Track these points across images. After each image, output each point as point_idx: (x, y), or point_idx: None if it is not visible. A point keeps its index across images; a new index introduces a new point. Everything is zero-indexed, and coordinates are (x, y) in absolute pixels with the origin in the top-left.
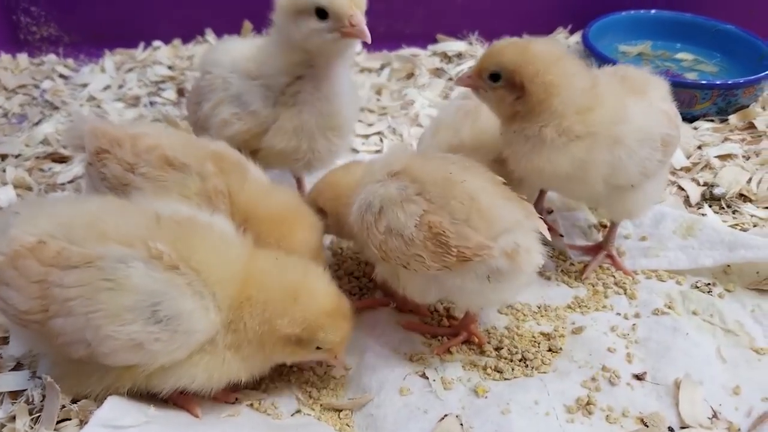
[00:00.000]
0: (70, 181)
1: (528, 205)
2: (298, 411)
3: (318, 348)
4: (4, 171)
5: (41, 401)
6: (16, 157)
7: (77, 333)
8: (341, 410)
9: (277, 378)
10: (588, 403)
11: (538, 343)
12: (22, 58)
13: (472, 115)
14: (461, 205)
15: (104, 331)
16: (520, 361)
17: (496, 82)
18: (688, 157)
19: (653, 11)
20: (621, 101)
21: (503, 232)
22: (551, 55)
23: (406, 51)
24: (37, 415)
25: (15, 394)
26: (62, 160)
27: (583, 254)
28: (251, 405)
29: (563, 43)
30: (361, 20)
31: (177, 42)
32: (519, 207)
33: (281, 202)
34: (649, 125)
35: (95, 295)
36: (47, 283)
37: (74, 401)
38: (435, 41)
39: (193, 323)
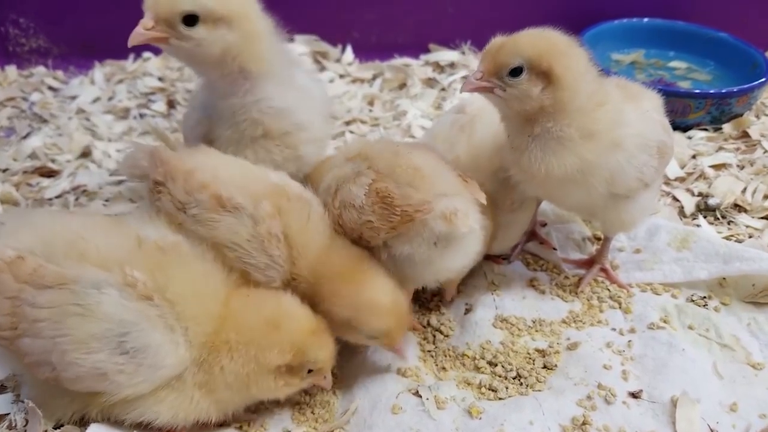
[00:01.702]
0: (58, 196)
1: (471, 181)
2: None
3: (309, 371)
4: None
5: (24, 426)
6: (4, 171)
7: (44, 355)
8: (333, 430)
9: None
10: (584, 423)
11: (533, 360)
12: (11, 70)
13: (467, 129)
14: (405, 171)
15: (69, 357)
16: (514, 378)
17: (517, 77)
18: (682, 167)
19: (646, 19)
20: (620, 104)
21: (443, 195)
22: (568, 39)
23: (398, 61)
24: None
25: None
26: (50, 174)
27: (577, 267)
28: (240, 427)
29: None
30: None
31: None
32: (461, 182)
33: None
34: (646, 131)
35: (64, 319)
36: (19, 300)
37: (57, 426)
38: (427, 51)
39: (160, 358)
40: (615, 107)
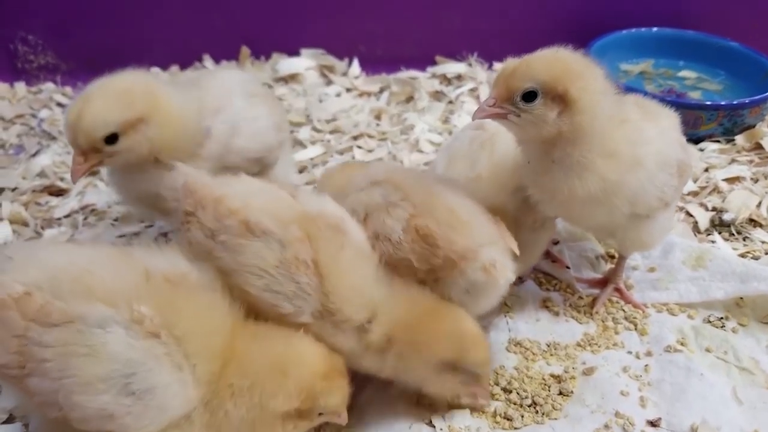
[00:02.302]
0: (67, 216)
1: (501, 225)
2: None
3: (320, 414)
4: (0, 206)
5: None
6: (13, 190)
7: (51, 395)
8: None
9: None
10: None
11: (549, 386)
12: (20, 86)
13: (488, 147)
14: (443, 212)
15: (75, 398)
16: (529, 406)
17: (532, 101)
18: (695, 181)
19: (655, 29)
20: (639, 122)
21: (481, 245)
22: (584, 60)
23: (405, 74)
24: None
25: None
26: (59, 193)
27: (590, 287)
28: None
29: None
30: None
31: (175, 68)
32: (493, 224)
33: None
34: (666, 149)
35: (70, 360)
36: (26, 339)
37: None
38: (434, 63)
39: (168, 398)
40: (635, 125)
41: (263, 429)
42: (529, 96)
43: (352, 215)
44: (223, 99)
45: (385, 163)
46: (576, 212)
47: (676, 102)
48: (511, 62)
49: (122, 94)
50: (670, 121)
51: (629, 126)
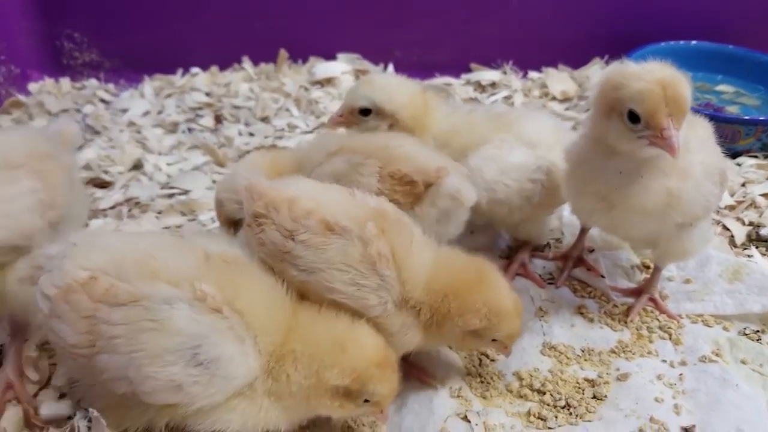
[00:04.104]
0: (111, 207)
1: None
2: None
3: (366, 401)
4: None
5: None
6: None
7: (120, 370)
8: None
9: (317, 417)
10: None
11: (583, 390)
12: (65, 82)
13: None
14: (402, 158)
15: (145, 371)
16: (563, 407)
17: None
18: (731, 195)
19: (694, 42)
20: (684, 131)
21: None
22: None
23: (439, 80)
24: None
25: (60, 423)
26: (104, 185)
27: (625, 296)
28: None
29: (600, 74)
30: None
31: (214, 69)
32: (444, 157)
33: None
34: (708, 158)
35: (138, 335)
36: (95, 319)
37: None
38: (469, 70)
39: (233, 368)
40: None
41: (315, 399)
42: (631, 116)
43: None
44: None
45: (334, 134)
46: (631, 223)
47: (714, 116)
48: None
49: None
50: (706, 130)
51: None
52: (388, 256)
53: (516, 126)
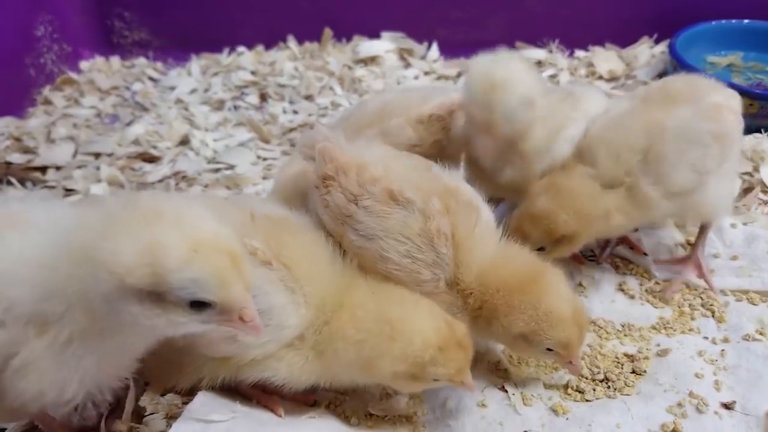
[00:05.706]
0: (160, 181)
1: None
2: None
3: (435, 380)
4: (98, 169)
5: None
6: (109, 155)
7: None
8: (416, 420)
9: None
10: (674, 430)
11: (622, 364)
12: (115, 60)
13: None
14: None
15: None
16: (602, 381)
17: None
18: None
19: (746, 21)
20: None
21: None
22: None
23: None
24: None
25: None
26: (152, 160)
27: (668, 272)
28: (327, 405)
29: (648, 53)
30: None
31: (260, 48)
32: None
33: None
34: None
35: None
36: None
37: (162, 394)
38: (514, 49)
39: (284, 318)
40: None
41: (372, 376)
42: None
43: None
44: None
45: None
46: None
47: (764, 94)
48: None
49: None
50: (719, 93)
51: None
52: (448, 234)
53: (581, 104)
